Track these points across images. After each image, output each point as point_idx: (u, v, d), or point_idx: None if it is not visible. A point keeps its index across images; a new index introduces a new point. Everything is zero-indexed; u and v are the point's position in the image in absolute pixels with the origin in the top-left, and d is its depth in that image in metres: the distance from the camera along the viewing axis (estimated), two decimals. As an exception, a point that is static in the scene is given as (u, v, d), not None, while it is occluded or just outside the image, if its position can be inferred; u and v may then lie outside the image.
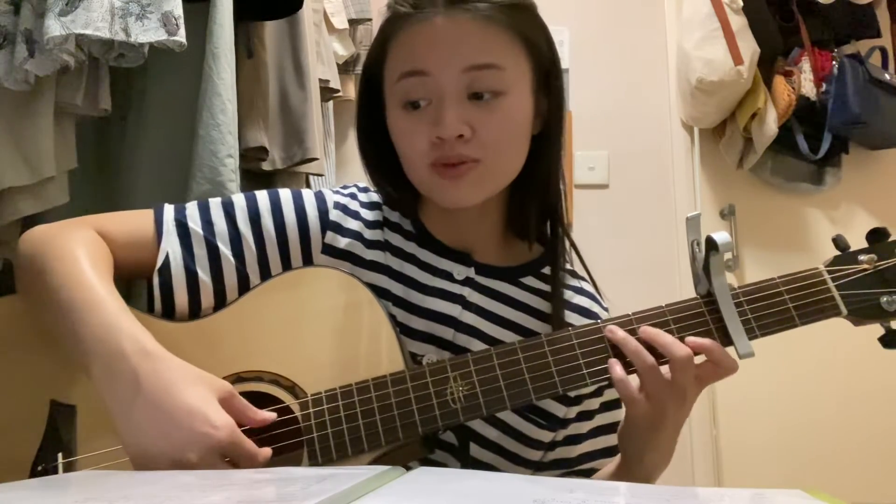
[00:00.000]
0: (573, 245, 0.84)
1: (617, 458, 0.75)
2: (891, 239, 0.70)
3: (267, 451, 0.60)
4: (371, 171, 0.82)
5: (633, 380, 0.66)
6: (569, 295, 0.81)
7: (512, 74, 0.71)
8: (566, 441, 0.79)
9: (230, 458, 0.58)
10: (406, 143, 0.73)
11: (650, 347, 0.66)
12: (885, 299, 0.67)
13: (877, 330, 0.69)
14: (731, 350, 0.66)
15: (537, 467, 0.78)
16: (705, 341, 0.65)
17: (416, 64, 0.70)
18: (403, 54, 0.72)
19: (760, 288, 0.69)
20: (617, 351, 0.67)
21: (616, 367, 0.65)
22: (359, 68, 2.13)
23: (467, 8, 0.70)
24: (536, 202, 0.80)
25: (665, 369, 0.65)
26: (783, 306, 0.67)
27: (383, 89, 0.76)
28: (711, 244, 0.66)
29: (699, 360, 0.66)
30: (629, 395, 0.65)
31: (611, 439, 0.81)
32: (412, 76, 0.70)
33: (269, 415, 0.63)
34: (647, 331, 0.66)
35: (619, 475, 0.73)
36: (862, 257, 0.69)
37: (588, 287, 0.84)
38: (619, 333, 0.66)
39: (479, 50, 0.70)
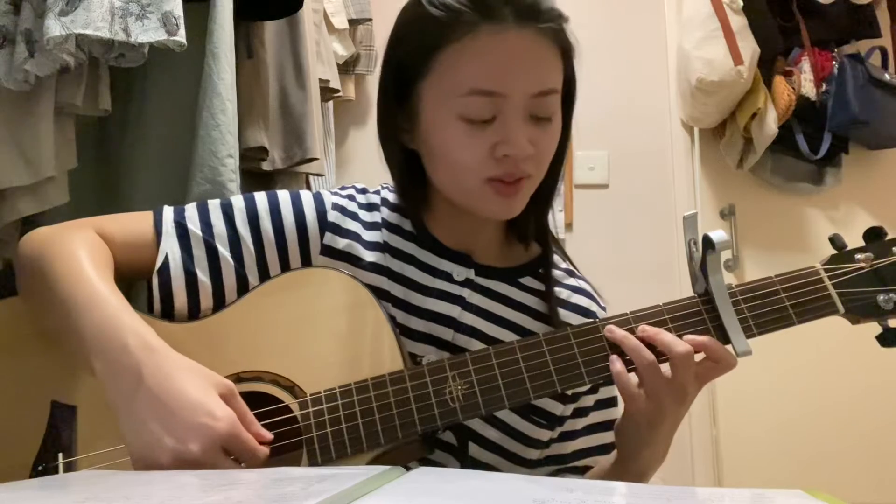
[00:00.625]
0: (559, 246, 0.85)
1: (612, 455, 0.75)
2: (888, 238, 0.70)
3: (265, 449, 0.60)
4: (391, 165, 0.79)
5: (634, 377, 0.66)
6: (567, 294, 0.82)
7: (559, 96, 0.73)
8: (560, 437, 0.80)
9: (230, 452, 0.58)
10: (459, 154, 0.71)
11: (650, 346, 0.66)
12: (881, 297, 0.68)
13: (875, 328, 0.70)
14: (728, 349, 0.67)
15: (533, 465, 0.79)
16: (703, 338, 0.66)
17: (493, 84, 0.68)
18: (475, 68, 0.68)
19: (758, 286, 0.69)
20: (617, 349, 0.67)
21: (616, 363, 0.66)
22: (359, 68, 2.13)
23: (535, 23, 0.69)
24: (539, 208, 0.80)
25: (665, 367, 0.65)
26: (780, 305, 0.68)
27: (418, 89, 0.72)
28: (708, 243, 0.66)
29: (698, 357, 0.66)
30: (629, 390, 0.65)
31: (605, 437, 0.81)
32: (486, 95, 0.68)
33: (266, 434, 0.62)
34: (647, 329, 0.67)
35: (615, 471, 0.73)
36: (859, 256, 0.69)
37: (586, 286, 0.84)
38: (618, 332, 0.67)
39: (548, 74, 0.71)
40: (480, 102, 0.68)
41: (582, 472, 0.81)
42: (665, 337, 0.65)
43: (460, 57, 0.69)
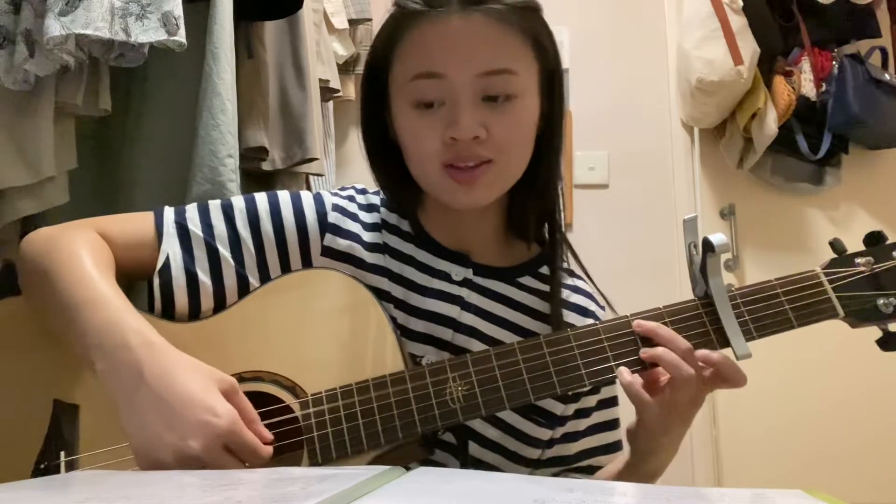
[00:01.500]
0: (569, 247, 0.84)
1: (622, 457, 0.75)
2: (888, 242, 0.70)
3: (268, 448, 0.60)
4: (375, 169, 0.81)
5: (642, 389, 0.66)
6: (566, 294, 0.82)
7: (523, 78, 0.72)
8: (564, 438, 0.80)
9: (231, 449, 0.58)
10: (417, 143, 0.72)
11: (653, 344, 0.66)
12: (881, 301, 0.68)
13: (876, 332, 0.70)
14: (728, 351, 0.67)
15: (535, 465, 0.79)
16: (716, 356, 0.65)
17: (431, 66, 0.69)
18: (417, 54, 0.71)
19: (757, 290, 0.69)
20: (648, 342, 0.67)
21: (624, 374, 0.65)
22: (359, 68, 2.13)
23: (482, 8, 0.69)
24: (536, 203, 0.80)
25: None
26: (780, 308, 0.68)
27: (388, 86, 0.75)
28: (708, 246, 0.66)
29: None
30: (640, 399, 0.65)
31: (608, 436, 0.81)
32: (427, 78, 0.70)
33: (267, 434, 0.62)
34: (643, 324, 0.67)
35: (627, 474, 0.73)
36: (859, 260, 0.69)
37: (585, 286, 0.84)
38: (648, 324, 0.66)
39: (495, 55, 0.70)
40: (425, 86, 0.70)
41: (586, 472, 0.81)
42: (664, 331, 0.66)
43: (409, 46, 0.72)
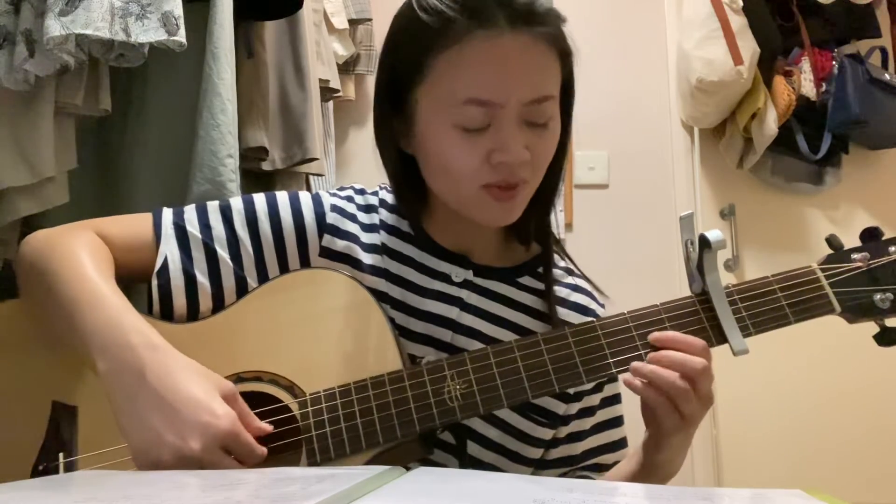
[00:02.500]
0: (559, 245, 0.85)
1: (632, 460, 0.75)
2: (884, 238, 0.71)
3: (263, 449, 0.60)
4: (388, 169, 0.79)
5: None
6: (565, 293, 0.82)
7: (556, 100, 0.72)
8: (569, 438, 0.80)
9: (230, 450, 0.58)
10: (455, 161, 0.70)
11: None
12: (878, 297, 0.68)
13: (873, 327, 0.70)
14: (725, 348, 0.67)
15: (540, 465, 0.79)
16: (667, 333, 0.66)
17: (487, 94, 0.67)
18: (471, 77, 0.67)
19: (754, 286, 0.69)
20: (643, 340, 0.67)
21: (637, 383, 0.65)
22: (359, 68, 2.13)
23: (530, 27, 0.68)
24: (539, 208, 0.80)
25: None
26: (777, 304, 0.68)
27: (414, 94, 0.72)
28: (705, 242, 0.66)
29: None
30: (665, 408, 0.65)
31: (613, 433, 0.81)
32: (480, 105, 0.67)
33: (267, 426, 0.63)
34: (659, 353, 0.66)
35: (642, 479, 0.72)
36: (855, 256, 0.70)
37: (585, 284, 0.84)
38: (645, 368, 0.65)
39: (543, 82, 0.70)
40: (475, 111, 0.67)
41: (593, 470, 0.81)
42: (678, 357, 0.64)
43: (454, 65, 0.68)
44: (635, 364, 0.65)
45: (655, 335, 0.67)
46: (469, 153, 0.69)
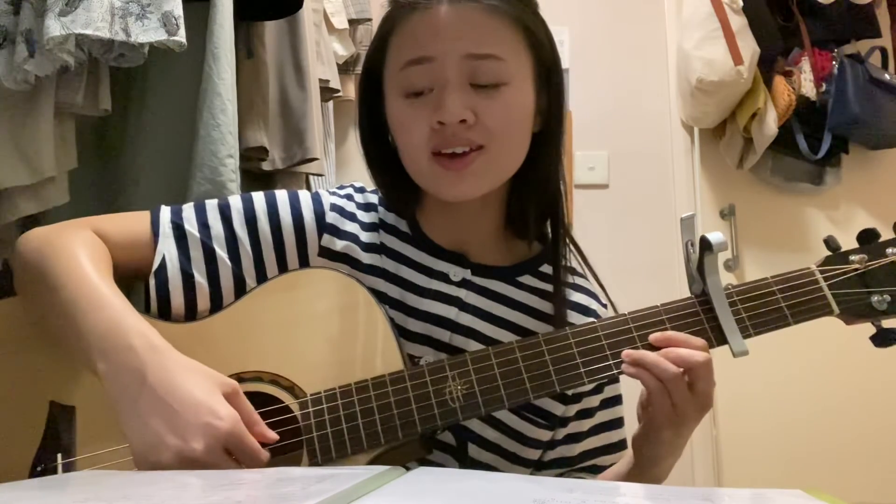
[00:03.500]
0: (576, 246, 0.84)
1: (626, 460, 0.75)
2: (881, 240, 0.71)
3: (265, 453, 0.60)
4: (372, 168, 0.81)
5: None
6: (567, 293, 0.81)
7: (513, 66, 0.71)
8: (567, 440, 0.79)
9: (232, 452, 0.58)
10: (406, 133, 0.72)
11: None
12: (875, 298, 0.68)
13: (870, 329, 0.70)
14: (725, 349, 0.67)
15: (538, 466, 0.79)
16: (667, 333, 0.66)
17: (419, 51, 0.70)
18: (407, 43, 0.72)
19: (754, 287, 0.69)
20: (643, 341, 0.67)
21: (629, 368, 0.65)
22: (359, 68, 2.13)
23: (470, 1, 0.70)
24: (536, 201, 0.80)
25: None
26: (776, 305, 0.68)
27: (384, 84, 0.75)
28: (705, 244, 0.66)
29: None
30: (657, 389, 0.64)
31: (612, 436, 0.81)
32: (415, 64, 0.70)
33: (271, 435, 0.62)
34: (664, 344, 0.66)
35: (633, 477, 0.73)
36: (853, 257, 0.70)
37: (586, 284, 0.84)
38: (635, 353, 0.65)
39: (482, 39, 0.70)
40: (414, 72, 0.70)
41: (590, 472, 0.80)
42: (682, 352, 0.64)
43: (397, 38, 0.73)
44: (631, 352, 0.66)
45: (656, 335, 0.67)
46: (415, 120, 0.71)
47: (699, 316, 0.68)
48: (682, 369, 0.63)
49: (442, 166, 0.71)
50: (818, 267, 0.70)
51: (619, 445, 0.81)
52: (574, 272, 0.85)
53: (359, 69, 2.12)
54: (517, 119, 0.73)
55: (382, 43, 0.75)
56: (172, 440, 0.56)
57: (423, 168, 0.73)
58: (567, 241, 0.83)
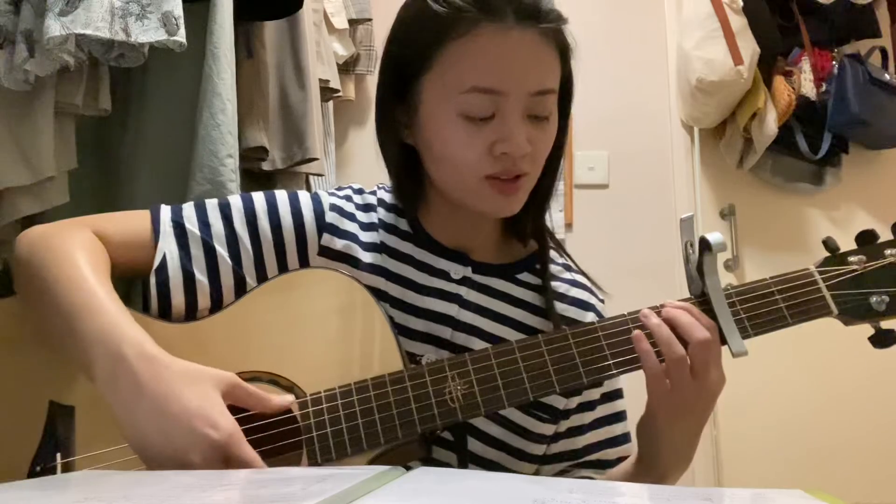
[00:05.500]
0: (554, 240, 0.85)
1: (630, 461, 0.75)
2: (879, 241, 0.71)
3: (262, 464, 0.59)
4: (387, 160, 0.80)
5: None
6: (564, 288, 0.82)
7: (555, 96, 0.73)
8: (569, 433, 0.80)
9: (229, 463, 0.57)
10: (459, 151, 0.71)
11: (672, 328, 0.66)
12: (874, 299, 0.68)
13: (869, 329, 0.70)
14: (725, 349, 0.67)
15: (542, 461, 0.79)
16: (676, 307, 0.67)
17: (492, 83, 0.68)
18: (476, 66, 0.69)
19: (753, 288, 0.70)
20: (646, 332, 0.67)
21: (642, 341, 0.66)
22: (359, 68, 2.13)
23: (536, 23, 0.69)
24: (535, 205, 0.80)
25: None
26: (775, 306, 0.68)
27: (421, 86, 0.72)
28: (705, 244, 0.66)
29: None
30: (654, 370, 0.65)
31: (614, 429, 0.81)
32: (485, 93, 0.68)
33: (280, 401, 0.63)
34: (671, 311, 0.67)
35: (635, 474, 0.73)
36: (852, 258, 0.70)
37: (584, 280, 0.85)
38: (653, 320, 0.66)
39: (547, 75, 0.71)
40: (481, 100, 0.69)
41: (595, 466, 0.81)
42: (686, 318, 0.65)
43: (463, 54, 0.69)
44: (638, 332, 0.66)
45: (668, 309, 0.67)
46: (473, 143, 0.70)
47: None
48: (683, 353, 0.64)
49: (494, 189, 0.72)
50: (817, 268, 0.71)
51: (623, 438, 0.82)
52: (571, 268, 0.85)
53: (359, 69, 2.13)
54: (552, 142, 0.75)
55: (431, 46, 0.70)
56: (171, 453, 0.55)
57: (470, 186, 0.72)
58: (553, 241, 0.84)
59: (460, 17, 0.68)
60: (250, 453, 0.58)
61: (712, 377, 0.65)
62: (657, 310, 0.68)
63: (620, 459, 0.80)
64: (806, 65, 2.03)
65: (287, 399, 0.64)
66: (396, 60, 0.75)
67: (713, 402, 0.66)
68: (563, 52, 0.74)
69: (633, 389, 0.75)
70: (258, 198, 0.78)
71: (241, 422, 0.60)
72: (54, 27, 0.82)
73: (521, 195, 0.73)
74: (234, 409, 0.61)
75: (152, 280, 0.72)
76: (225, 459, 0.56)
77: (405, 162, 0.78)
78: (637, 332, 0.66)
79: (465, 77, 0.69)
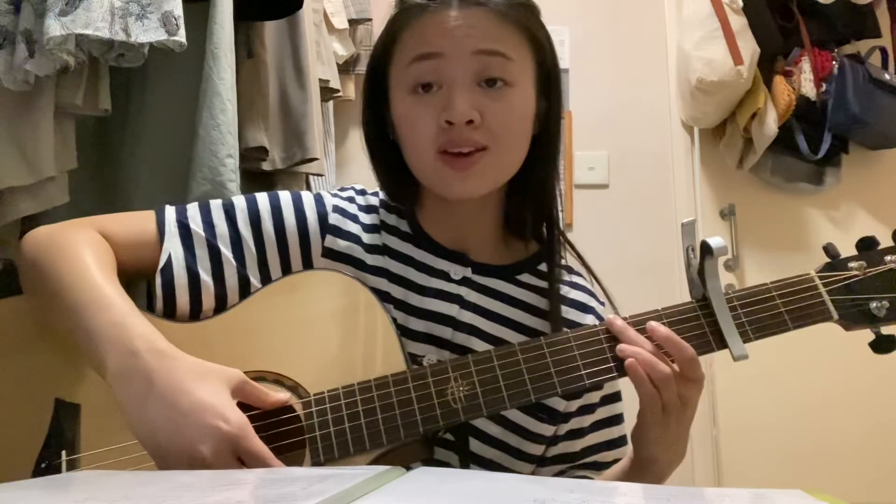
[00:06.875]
0: (570, 245, 0.85)
1: (627, 458, 0.76)
2: (880, 247, 0.72)
3: (275, 459, 0.59)
4: (376, 166, 0.82)
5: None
6: (564, 290, 0.82)
7: (518, 68, 0.73)
8: (568, 436, 0.80)
9: (240, 455, 0.57)
10: (413, 129, 0.73)
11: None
12: (874, 305, 0.69)
13: (869, 335, 0.71)
14: (725, 353, 0.67)
15: (540, 462, 0.79)
16: (662, 330, 0.67)
17: (428, 47, 0.71)
18: (416, 40, 0.72)
19: (754, 293, 0.70)
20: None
21: (637, 370, 0.66)
22: (359, 68, 2.13)
23: (481, 3, 0.71)
24: (533, 203, 0.81)
25: None
26: (776, 311, 0.69)
27: (388, 82, 0.76)
28: (706, 249, 0.67)
29: None
30: (646, 388, 0.66)
31: (613, 432, 0.82)
32: (424, 59, 0.71)
33: (281, 396, 0.64)
34: (658, 329, 0.67)
35: (633, 476, 0.73)
36: (852, 264, 0.71)
37: (584, 282, 0.85)
38: (628, 349, 0.66)
39: (491, 37, 0.71)
40: (422, 67, 0.71)
41: (592, 468, 0.81)
42: (675, 338, 0.66)
43: (407, 36, 0.73)
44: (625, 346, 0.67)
45: (652, 325, 0.68)
46: (423, 116, 0.71)
47: (700, 320, 0.69)
48: (675, 369, 0.65)
49: (447, 165, 0.72)
50: (817, 273, 0.71)
51: (620, 441, 0.82)
52: (571, 271, 0.85)
53: (359, 69, 2.13)
54: (519, 121, 0.74)
55: (389, 42, 0.75)
56: (181, 446, 0.56)
57: (427, 165, 0.73)
58: (563, 240, 0.84)
59: (409, 8, 0.73)
60: (260, 446, 0.58)
61: (693, 388, 0.66)
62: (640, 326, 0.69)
63: (616, 461, 0.80)
64: (806, 65, 2.04)
65: (284, 395, 0.65)
66: (371, 63, 0.78)
67: (698, 398, 0.67)
68: (529, 30, 0.74)
69: (632, 389, 0.75)
70: (262, 199, 0.78)
71: (244, 421, 0.60)
72: (54, 27, 0.82)
73: (478, 174, 0.72)
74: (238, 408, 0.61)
75: (157, 280, 0.73)
76: (235, 452, 0.57)
77: (394, 163, 0.78)
78: (630, 360, 0.66)
79: (408, 52, 0.72)
